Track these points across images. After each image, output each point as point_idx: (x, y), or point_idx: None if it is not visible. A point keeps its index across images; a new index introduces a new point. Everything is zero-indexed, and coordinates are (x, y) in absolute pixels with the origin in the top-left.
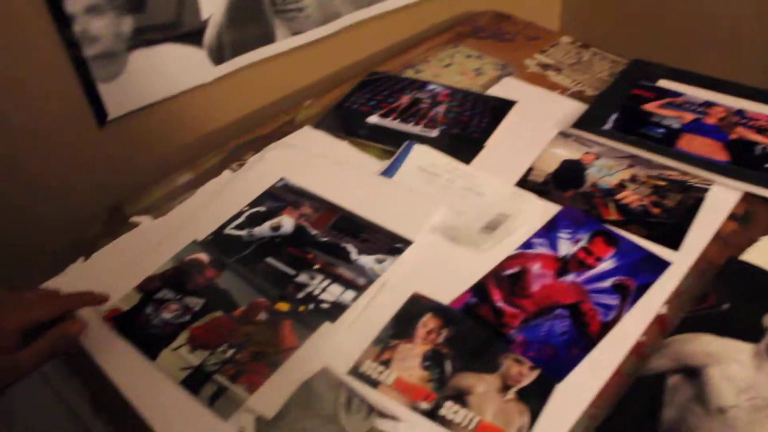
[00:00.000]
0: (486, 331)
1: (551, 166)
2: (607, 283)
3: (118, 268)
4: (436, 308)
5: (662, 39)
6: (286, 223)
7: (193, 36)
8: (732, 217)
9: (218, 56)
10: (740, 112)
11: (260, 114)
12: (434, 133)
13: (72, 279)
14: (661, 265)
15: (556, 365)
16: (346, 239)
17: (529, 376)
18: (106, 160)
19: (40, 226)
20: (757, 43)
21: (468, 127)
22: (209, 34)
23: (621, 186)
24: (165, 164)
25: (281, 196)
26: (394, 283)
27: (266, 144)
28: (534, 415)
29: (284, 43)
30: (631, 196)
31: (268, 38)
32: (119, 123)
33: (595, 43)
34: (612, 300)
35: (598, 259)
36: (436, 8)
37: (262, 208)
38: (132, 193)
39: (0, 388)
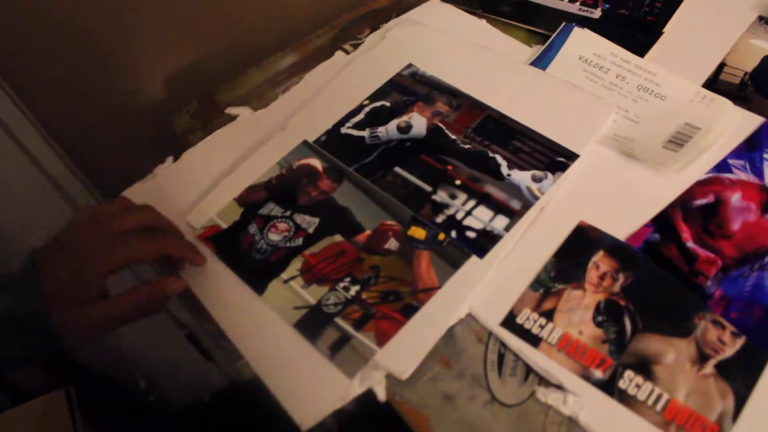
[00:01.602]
0: (675, 279)
1: (750, 62)
2: None
3: (213, 172)
4: (611, 244)
5: None
6: (418, 122)
7: None
8: None
9: None
10: None
11: None
12: (596, 13)
13: (160, 183)
14: None
15: (766, 332)
16: (493, 148)
17: (732, 344)
18: (194, 36)
19: (121, 116)
20: None
21: (640, 5)
22: None
23: None
24: (264, 43)
25: (410, 88)
26: (555, 209)
27: (385, 20)
28: (740, 399)
29: None
30: None
31: None
32: None
33: None
34: None
35: None
36: None
37: (386, 103)
38: (227, 78)
39: (82, 344)
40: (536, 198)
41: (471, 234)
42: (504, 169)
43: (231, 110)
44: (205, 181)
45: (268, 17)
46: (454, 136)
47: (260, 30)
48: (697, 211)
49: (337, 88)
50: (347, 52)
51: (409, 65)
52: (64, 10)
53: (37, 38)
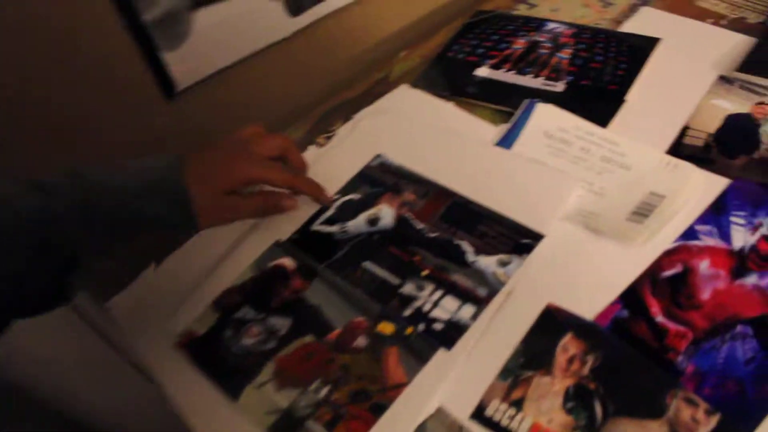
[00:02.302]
0: (645, 357)
1: (712, 124)
2: None
3: (192, 277)
4: (578, 325)
5: None
6: (386, 214)
7: None
8: None
9: (296, 5)
10: None
11: (348, 71)
12: (559, 86)
13: (143, 290)
14: None
15: (743, 408)
16: (459, 234)
17: (706, 423)
18: (178, 136)
19: None
20: None
21: (601, 75)
22: None
23: None
24: None
25: (378, 179)
26: (522, 293)
27: (357, 109)
28: None
29: None
30: None
31: None
32: (190, 93)
33: None
34: None
35: None
36: None
37: (355, 196)
38: None
39: (217, 223)
40: (502, 283)
41: (438, 326)
42: (470, 256)
43: None
44: (184, 286)
45: (245, 114)
46: (421, 226)
47: (236, 126)
48: (665, 282)
49: None
50: (320, 145)
51: (378, 156)
52: None
53: None
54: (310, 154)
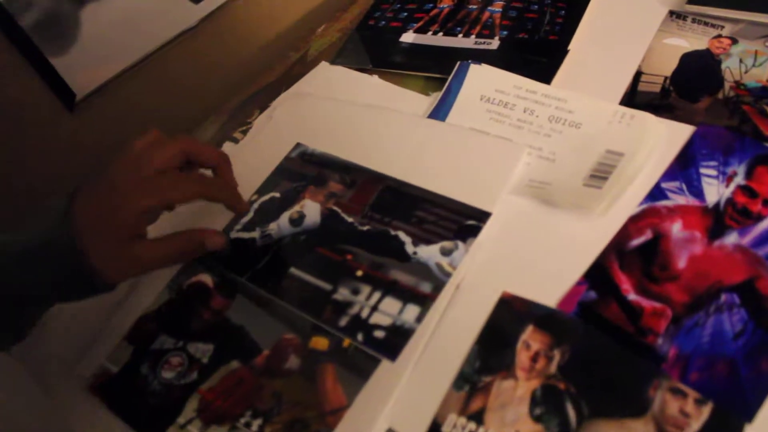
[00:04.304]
0: (620, 344)
1: (668, 65)
2: None
3: (101, 309)
4: (540, 316)
5: None
6: (311, 210)
7: None
8: None
9: None
10: None
11: (263, 55)
12: (493, 43)
13: (47, 331)
14: None
15: (737, 391)
16: (395, 224)
17: (698, 415)
18: (86, 148)
19: None
20: None
21: (539, 26)
22: None
23: None
24: None
25: (299, 172)
26: (472, 283)
27: (275, 95)
28: None
29: None
30: None
31: None
32: (93, 100)
33: None
34: None
35: None
36: None
37: (275, 194)
38: None
39: (113, 281)
40: (448, 275)
41: (379, 333)
42: (409, 247)
43: None
44: (94, 319)
45: (155, 115)
46: (350, 219)
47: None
48: (634, 253)
49: None
50: (237, 141)
51: (298, 145)
52: None
53: None
54: (226, 150)
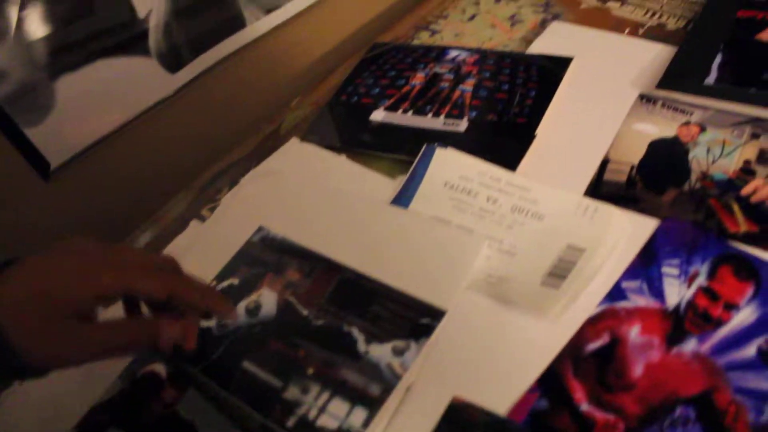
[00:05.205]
0: None
1: (636, 152)
2: (749, 350)
3: (54, 396)
4: (489, 424)
5: None
6: (268, 300)
7: (132, 43)
8: None
9: (173, 61)
10: None
11: (237, 127)
12: (462, 124)
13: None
14: None
15: None
16: (350, 318)
17: None
18: (61, 218)
19: None
20: None
21: (509, 107)
22: (154, 37)
23: (746, 171)
24: (124, 215)
25: (259, 257)
26: (423, 386)
27: (246, 171)
28: None
29: (257, 26)
30: (764, 189)
31: (236, 24)
32: (67, 170)
33: None
34: (764, 382)
35: (730, 307)
36: None
37: (234, 281)
38: None
39: (42, 365)
40: (398, 377)
41: None
42: (361, 345)
43: None
44: (46, 408)
45: (128, 186)
46: (306, 312)
47: (118, 204)
48: (590, 359)
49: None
50: (204, 220)
51: (260, 228)
52: None
53: None
54: (192, 230)
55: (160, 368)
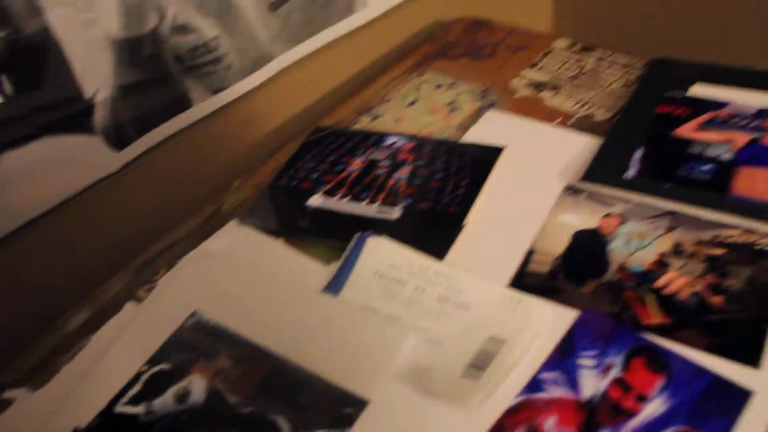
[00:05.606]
0: None
1: (559, 244)
2: None
3: None
4: None
5: (690, 26)
6: (197, 387)
7: (77, 121)
8: None
9: (118, 138)
10: None
11: (180, 206)
12: (396, 212)
13: None
14: (739, 398)
15: None
16: (276, 408)
17: None
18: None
19: None
20: None
21: (441, 196)
22: (101, 114)
23: (661, 264)
24: (61, 293)
25: (191, 343)
26: None
27: (185, 252)
28: None
29: (203, 105)
30: (677, 281)
31: (182, 103)
32: (1, 247)
33: (601, 41)
34: None
35: (641, 398)
36: (396, 26)
37: (165, 366)
38: (16, 349)
39: None
40: None
41: None
42: None
43: (7, 394)
44: None
45: (66, 266)
46: (234, 400)
47: (55, 281)
48: None
49: (115, 354)
50: (140, 301)
51: (194, 313)
52: None
53: None
54: (127, 312)
55: None
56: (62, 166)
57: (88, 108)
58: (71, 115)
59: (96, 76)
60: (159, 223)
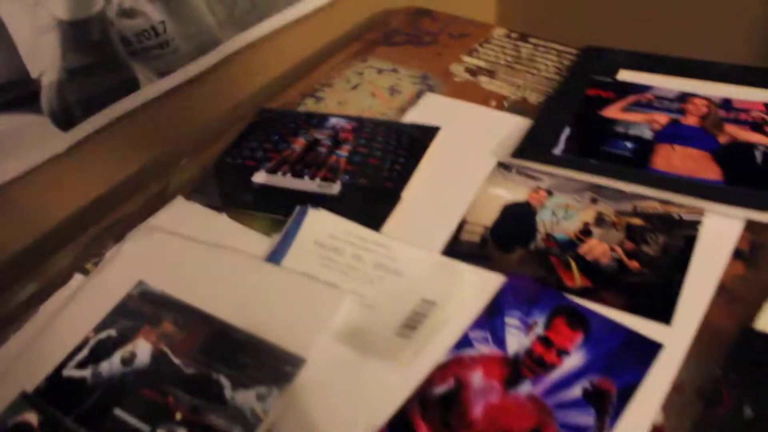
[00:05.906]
0: None
1: (490, 215)
2: (575, 391)
3: None
4: None
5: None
6: (142, 350)
7: (24, 101)
8: (737, 255)
9: (65, 119)
10: (727, 103)
11: (126, 186)
12: (335, 187)
13: None
14: (650, 351)
15: None
16: (218, 367)
17: None
18: None
19: None
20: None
21: (379, 172)
22: (47, 95)
23: (584, 233)
24: (9, 268)
25: (137, 310)
26: (285, 429)
27: (131, 227)
28: None
29: (150, 88)
30: (598, 247)
31: (129, 85)
32: None
33: (543, 32)
34: (585, 417)
35: (562, 353)
36: (342, 14)
37: (112, 332)
38: None
39: None
40: (260, 420)
41: None
42: (228, 392)
43: None
44: None
45: (6, 244)
46: (177, 361)
47: (1, 259)
48: (436, 402)
49: (63, 321)
50: (87, 273)
51: (140, 282)
52: None
53: None
54: (75, 283)
55: (32, 417)
56: (9, 145)
57: (35, 90)
58: (17, 96)
59: (42, 58)
60: (108, 201)
